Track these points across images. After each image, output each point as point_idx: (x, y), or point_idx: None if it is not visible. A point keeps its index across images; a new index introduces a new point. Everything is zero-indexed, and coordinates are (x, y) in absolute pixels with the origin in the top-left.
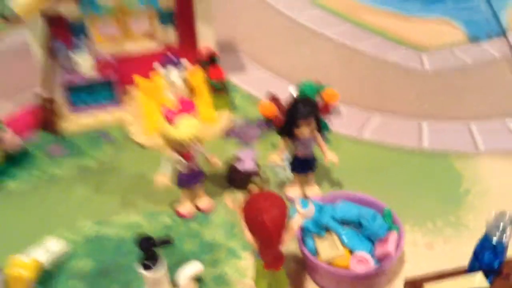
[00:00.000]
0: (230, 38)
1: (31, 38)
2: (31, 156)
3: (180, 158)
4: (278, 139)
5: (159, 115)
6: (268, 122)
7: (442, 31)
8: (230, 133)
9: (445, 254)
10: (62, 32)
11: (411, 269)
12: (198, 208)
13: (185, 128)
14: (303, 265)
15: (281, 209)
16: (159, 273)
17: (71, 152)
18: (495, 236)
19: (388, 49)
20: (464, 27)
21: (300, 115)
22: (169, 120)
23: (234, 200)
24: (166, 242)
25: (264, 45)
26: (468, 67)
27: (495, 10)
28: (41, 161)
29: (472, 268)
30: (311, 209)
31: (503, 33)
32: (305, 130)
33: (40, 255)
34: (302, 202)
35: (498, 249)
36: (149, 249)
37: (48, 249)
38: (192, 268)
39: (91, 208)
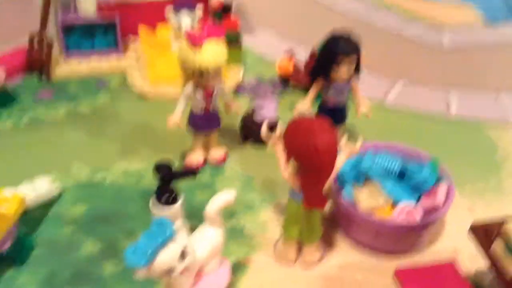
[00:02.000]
0: (237, 1)
1: None
2: (16, 97)
3: (198, 93)
4: (295, 98)
5: (163, 64)
6: (285, 81)
7: (459, 12)
8: (242, 89)
9: (487, 216)
10: None
11: (454, 231)
12: (211, 159)
13: (211, 54)
14: (332, 221)
15: (333, 134)
16: (175, 209)
17: (62, 97)
18: None
19: (405, 25)
20: (481, 10)
21: (342, 51)
22: (194, 44)
23: (267, 130)
24: (189, 172)
25: (270, 11)
26: (489, 45)
27: None
28: (26, 103)
29: None
30: (358, 146)
31: None
32: (344, 70)
33: (25, 191)
34: None
35: None
36: (169, 180)
37: (35, 187)
38: (222, 197)
39: (86, 154)
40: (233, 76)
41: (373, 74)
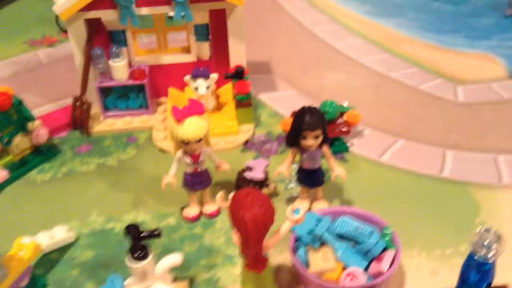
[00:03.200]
0: (267, 59)
1: (73, 44)
2: (59, 151)
3: (187, 158)
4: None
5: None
6: None
7: (482, 66)
8: (249, 145)
9: (449, 282)
10: (102, 39)
11: None
12: (204, 213)
13: (191, 127)
14: (297, 278)
15: (264, 208)
16: (147, 264)
17: (97, 151)
18: (480, 254)
19: (422, 79)
20: (507, 63)
21: (306, 126)
22: (177, 119)
23: (223, 197)
24: (153, 234)
25: (297, 67)
26: (503, 102)
27: None
28: (66, 156)
29: None
30: (301, 216)
31: None
32: (311, 142)
33: (42, 239)
34: (296, 211)
35: (483, 268)
36: (137, 238)
37: (52, 236)
38: (170, 259)
39: (104, 204)
40: (244, 133)
41: (376, 131)
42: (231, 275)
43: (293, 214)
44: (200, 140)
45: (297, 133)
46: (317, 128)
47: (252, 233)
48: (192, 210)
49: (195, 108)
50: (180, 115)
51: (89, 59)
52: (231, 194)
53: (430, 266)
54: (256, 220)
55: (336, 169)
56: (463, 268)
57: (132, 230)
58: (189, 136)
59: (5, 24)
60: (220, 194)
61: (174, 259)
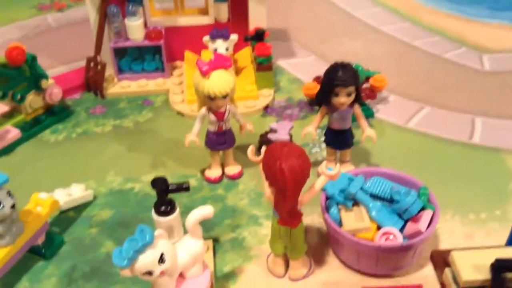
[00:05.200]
0: (285, 26)
1: (88, 2)
2: (72, 112)
3: (211, 114)
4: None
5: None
6: (311, 102)
7: (506, 36)
8: (270, 110)
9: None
10: None
11: None
12: (226, 175)
13: (217, 81)
14: (326, 240)
15: (301, 160)
16: (173, 219)
17: (111, 113)
18: None
19: (446, 48)
20: None
21: (339, 82)
22: (203, 72)
23: (253, 151)
24: (182, 187)
25: (316, 35)
26: None
27: None
28: (81, 118)
29: (511, 243)
30: (337, 171)
31: None
32: (343, 99)
33: (60, 196)
34: (329, 168)
35: None
36: (164, 192)
37: (70, 193)
38: (202, 210)
39: (122, 165)
40: (264, 98)
41: (401, 97)
42: (257, 235)
43: (327, 170)
44: (226, 95)
45: (328, 90)
46: (351, 85)
47: (290, 183)
48: (215, 172)
49: (221, 61)
50: (206, 68)
51: (104, 18)
52: (263, 148)
53: (465, 230)
54: (294, 170)
55: (367, 130)
56: None
57: (159, 183)
58: (216, 91)
59: None
60: (251, 148)
61: (206, 210)
